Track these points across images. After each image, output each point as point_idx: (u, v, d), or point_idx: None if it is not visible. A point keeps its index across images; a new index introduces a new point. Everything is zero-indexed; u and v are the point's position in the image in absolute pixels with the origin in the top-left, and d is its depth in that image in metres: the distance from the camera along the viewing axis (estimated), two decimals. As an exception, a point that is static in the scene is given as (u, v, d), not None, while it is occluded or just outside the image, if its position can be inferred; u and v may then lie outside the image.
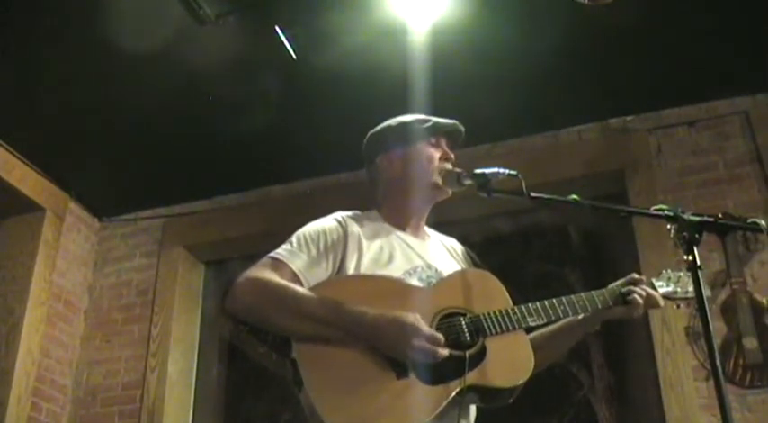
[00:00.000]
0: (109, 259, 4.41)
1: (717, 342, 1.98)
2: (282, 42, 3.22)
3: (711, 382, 1.71)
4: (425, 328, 1.77)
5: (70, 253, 4.27)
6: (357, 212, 2.12)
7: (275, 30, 3.19)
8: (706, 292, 1.62)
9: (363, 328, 1.78)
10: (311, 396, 1.73)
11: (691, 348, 3.24)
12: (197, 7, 3.06)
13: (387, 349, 1.77)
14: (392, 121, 2.20)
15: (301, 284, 1.88)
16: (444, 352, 1.76)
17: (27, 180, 4.03)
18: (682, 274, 2.10)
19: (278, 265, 1.91)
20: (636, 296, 1.99)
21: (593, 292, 2.03)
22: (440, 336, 1.78)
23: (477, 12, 3.16)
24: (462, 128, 2.17)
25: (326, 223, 2.03)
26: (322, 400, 1.72)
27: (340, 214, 2.08)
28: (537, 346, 1.96)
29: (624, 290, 2.03)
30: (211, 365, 4.28)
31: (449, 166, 2.10)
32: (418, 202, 2.13)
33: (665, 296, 2.08)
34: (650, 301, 2.03)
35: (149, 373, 3.97)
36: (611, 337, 3.80)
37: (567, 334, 2.07)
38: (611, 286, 2.05)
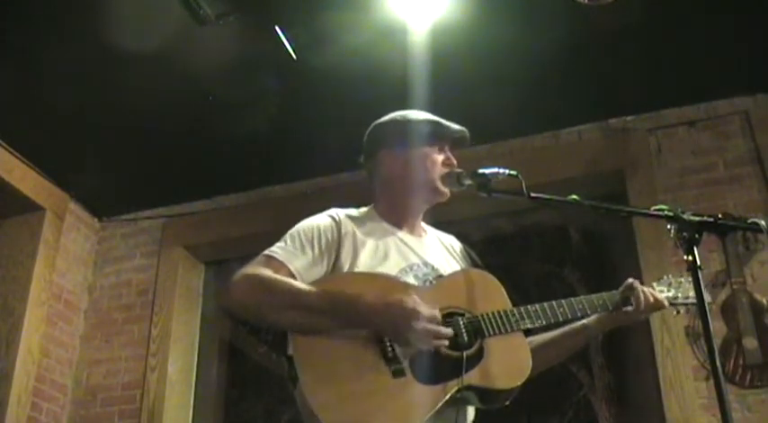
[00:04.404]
0: (109, 259, 4.41)
1: (717, 342, 1.99)
2: (282, 42, 3.22)
3: (711, 382, 1.71)
4: (425, 309, 1.76)
5: (70, 253, 4.27)
6: (352, 209, 2.11)
7: (275, 30, 3.19)
8: (706, 294, 1.61)
9: (361, 313, 1.77)
10: (306, 393, 1.72)
11: (691, 348, 3.24)
12: (197, 7, 3.06)
13: (385, 332, 1.76)
14: (398, 117, 2.16)
15: None
16: (448, 331, 1.77)
17: (27, 180, 4.03)
18: (682, 279, 2.10)
19: (274, 264, 1.90)
20: (639, 294, 2.00)
21: (592, 295, 2.03)
22: (438, 314, 1.78)
23: (477, 12, 3.17)
24: (468, 134, 2.14)
25: (321, 221, 2.02)
26: (317, 398, 1.71)
27: (335, 211, 2.07)
28: (537, 350, 1.96)
29: (623, 288, 2.03)
30: (211, 365, 4.27)
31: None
32: (416, 201, 2.12)
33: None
34: (655, 304, 2.03)
35: (149, 373, 3.97)
36: (611, 337, 3.80)
37: (569, 341, 2.07)
38: (610, 292, 2.05)
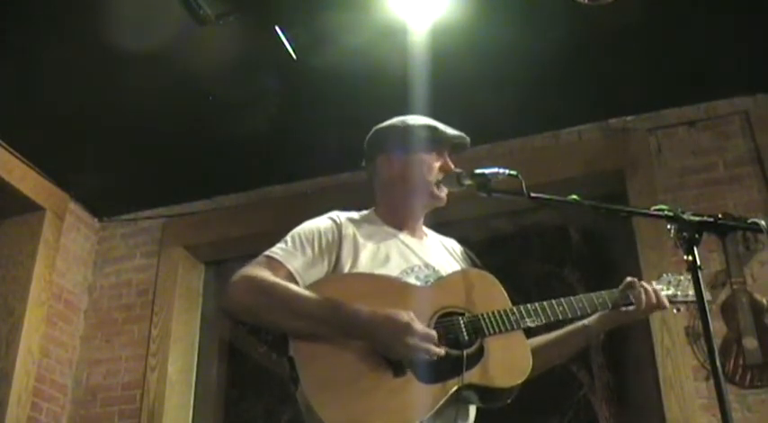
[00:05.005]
0: (109, 259, 4.41)
1: (717, 342, 1.99)
2: (282, 42, 3.22)
3: (711, 382, 1.71)
4: (419, 326, 1.76)
5: (70, 253, 4.27)
6: (353, 212, 2.12)
7: (275, 30, 3.19)
8: (706, 293, 1.61)
9: (358, 327, 1.77)
10: (307, 394, 1.73)
11: (691, 349, 3.24)
12: (197, 7, 3.06)
13: (381, 348, 1.76)
14: (398, 122, 2.17)
15: (297, 285, 1.87)
16: (439, 350, 1.76)
17: (27, 180, 4.03)
18: (682, 277, 2.09)
19: (274, 264, 1.90)
20: (639, 293, 2.00)
21: (592, 293, 2.02)
22: (434, 333, 1.78)
23: (477, 12, 3.17)
24: (468, 140, 2.14)
25: (322, 223, 2.03)
26: (318, 398, 1.72)
27: (335, 214, 2.08)
28: (538, 350, 1.96)
29: (623, 287, 2.03)
30: (211, 365, 4.27)
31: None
32: (414, 205, 2.12)
33: None
34: (657, 303, 2.02)
35: (149, 373, 3.97)
36: (611, 337, 3.80)
37: (570, 340, 2.06)
38: (610, 290, 2.05)
